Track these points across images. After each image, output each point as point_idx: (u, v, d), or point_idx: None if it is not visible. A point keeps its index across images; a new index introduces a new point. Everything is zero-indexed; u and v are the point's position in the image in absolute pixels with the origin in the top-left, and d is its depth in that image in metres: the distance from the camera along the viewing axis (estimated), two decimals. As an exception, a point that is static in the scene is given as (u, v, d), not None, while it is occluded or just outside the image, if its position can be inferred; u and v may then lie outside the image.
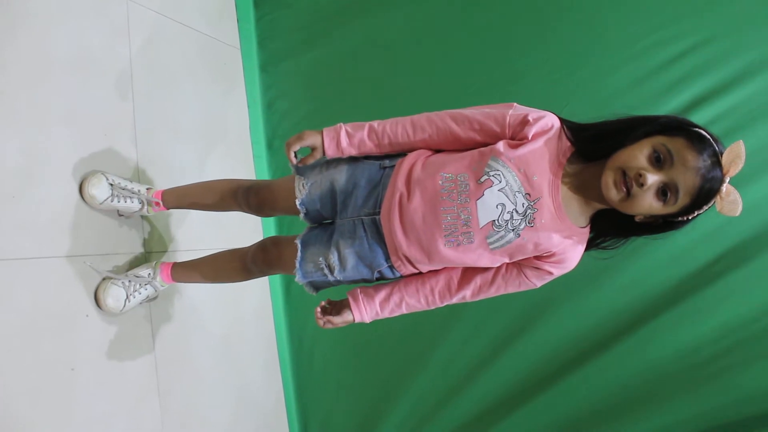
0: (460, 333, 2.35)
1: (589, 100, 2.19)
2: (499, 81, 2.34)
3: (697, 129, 1.17)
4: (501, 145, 1.28)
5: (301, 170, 1.49)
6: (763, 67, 2.00)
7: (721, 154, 1.14)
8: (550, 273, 1.35)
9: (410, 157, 1.38)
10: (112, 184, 1.76)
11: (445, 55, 2.46)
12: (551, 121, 1.29)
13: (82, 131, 1.81)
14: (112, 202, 1.76)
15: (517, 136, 1.29)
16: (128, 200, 1.79)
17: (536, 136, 1.27)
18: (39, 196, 1.63)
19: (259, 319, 2.60)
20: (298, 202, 1.47)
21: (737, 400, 1.97)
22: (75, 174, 1.74)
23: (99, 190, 1.73)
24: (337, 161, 1.45)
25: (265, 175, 2.71)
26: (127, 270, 1.84)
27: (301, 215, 1.50)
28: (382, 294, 1.44)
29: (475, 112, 1.34)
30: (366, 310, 1.44)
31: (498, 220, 1.27)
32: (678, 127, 1.19)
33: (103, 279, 1.76)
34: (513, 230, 1.28)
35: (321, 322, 1.45)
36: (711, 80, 2.06)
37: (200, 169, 2.32)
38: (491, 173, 1.26)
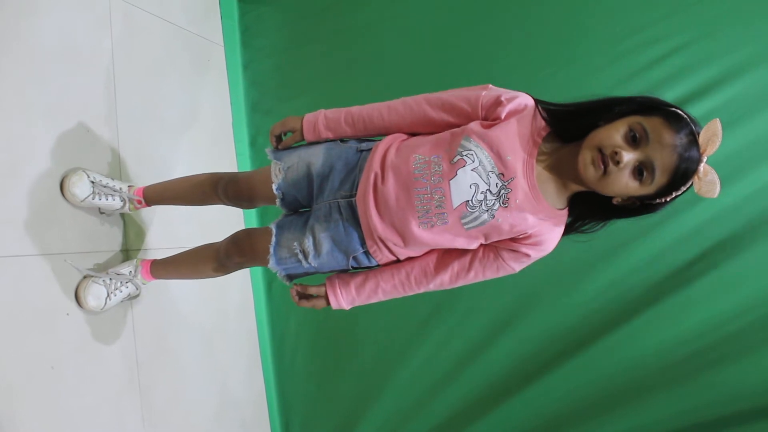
0: (442, 331, 2.37)
1: (574, 100, 2.20)
2: (483, 79, 2.30)
3: (673, 108, 1.17)
4: (474, 125, 1.29)
5: (278, 155, 1.49)
6: (745, 68, 2.02)
7: (698, 134, 1.14)
8: (528, 255, 1.33)
9: (386, 141, 1.39)
10: (93, 182, 1.75)
11: (429, 53, 2.47)
12: (525, 101, 1.29)
13: (65, 126, 1.79)
14: (93, 199, 1.75)
15: (491, 117, 1.30)
16: (109, 198, 1.78)
17: (509, 115, 1.28)
18: (20, 193, 1.62)
19: (241, 316, 2.59)
20: (274, 187, 1.46)
21: (716, 398, 2.00)
22: (56, 170, 1.73)
23: (80, 188, 1.72)
24: (315, 146, 1.46)
25: (247, 173, 2.70)
26: (108, 268, 1.83)
27: (278, 201, 1.49)
28: (358, 279, 1.44)
29: (449, 94, 1.36)
30: (342, 295, 1.44)
31: (471, 200, 1.26)
32: (654, 107, 1.18)
33: (84, 277, 1.75)
34: (487, 211, 1.27)
35: (296, 297, 1.48)
36: (694, 81, 2.08)
37: (183, 165, 2.31)
38: (464, 153, 1.26)
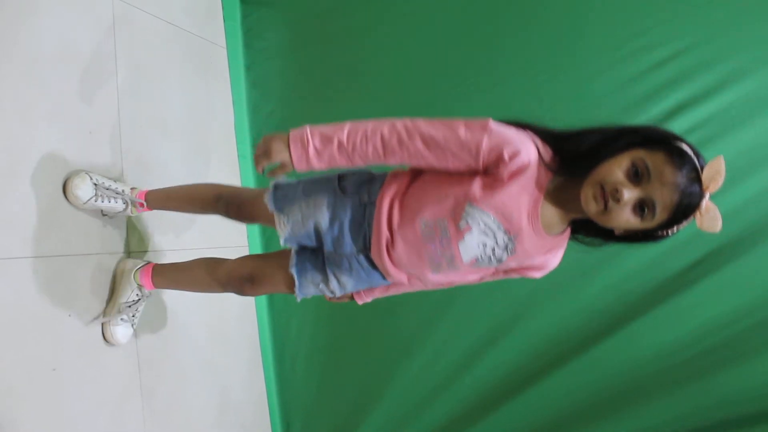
0: (442, 334, 2.37)
1: (572, 105, 2.21)
2: (484, 84, 2.35)
3: (678, 143, 1.16)
4: (476, 190, 1.25)
5: (279, 205, 1.46)
6: (744, 73, 2.03)
7: (702, 168, 1.13)
8: (534, 277, 1.43)
9: (386, 198, 1.36)
10: (96, 184, 1.75)
11: (430, 57, 2.47)
12: (527, 156, 1.22)
13: (67, 128, 1.79)
14: (96, 202, 1.75)
15: (491, 171, 1.25)
16: (112, 200, 1.78)
17: (512, 176, 1.22)
18: (22, 195, 1.61)
19: (243, 320, 2.59)
20: (282, 241, 1.46)
21: (716, 401, 2.00)
22: (59, 172, 1.73)
23: (83, 190, 1.72)
24: (315, 198, 1.42)
25: (249, 175, 2.70)
26: (112, 271, 1.85)
27: (288, 246, 1.51)
28: (381, 288, 1.61)
29: (448, 137, 1.25)
30: (367, 299, 1.64)
31: (481, 255, 1.31)
32: (660, 140, 1.17)
33: (104, 323, 1.79)
34: (496, 260, 1.32)
35: (328, 298, 1.60)
36: (693, 86, 2.09)
37: (185, 167, 2.31)
38: (469, 219, 1.26)
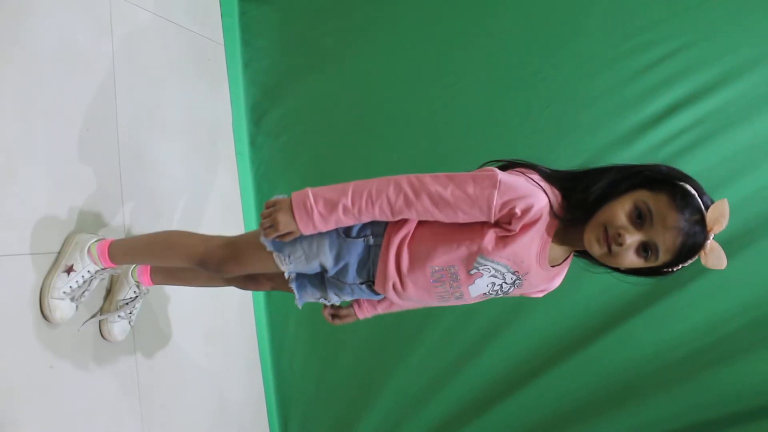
0: (439, 332, 2.37)
1: (570, 102, 2.21)
2: (482, 81, 2.35)
3: (682, 183, 1.15)
4: (488, 244, 1.24)
5: (278, 246, 1.38)
6: (742, 71, 2.05)
7: (707, 208, 1.13)
8: (537, 297, 1.48)
9: (394, 242, 1.32)
10: (71, 289, 1.64)
11: (428, 53, 2.48)
12: (539, 209, 1.20)
13: (65, 127, 1.79)
14: (78, 308, 1.67)
15: (503, 222, 1.23)
16: (86, 292, 1.69)
17: (525, 228, 1.21)
18: (22, 193, 1.61)
19: (240, 318, 2.59)
20: (286, 273, 1.43)
21: (712, 399, 2.02)
22: (58, 171, 1.73)
23: (63, 311, 1.63)
24: (317, 239, 1.35)
25: (247, 173, 2.70)
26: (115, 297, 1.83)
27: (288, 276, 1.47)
28: (384, 304, 1.62)
29: (457, 196, 1.22)
30: (369, 315, 1.65)
31: (488, 292, 1.32)
32: (663, 180, 1.17)
33: (101, 320, 1.79)
34: (503, 293, 1.34)
35: (329, 317, 1.67)
36: (692, 84, 2.10)
37: (183, 165, 2.31)
38: (481, 268, 1.27)
